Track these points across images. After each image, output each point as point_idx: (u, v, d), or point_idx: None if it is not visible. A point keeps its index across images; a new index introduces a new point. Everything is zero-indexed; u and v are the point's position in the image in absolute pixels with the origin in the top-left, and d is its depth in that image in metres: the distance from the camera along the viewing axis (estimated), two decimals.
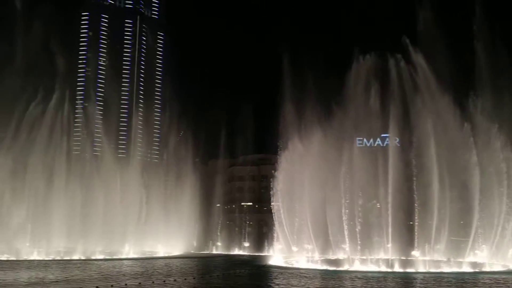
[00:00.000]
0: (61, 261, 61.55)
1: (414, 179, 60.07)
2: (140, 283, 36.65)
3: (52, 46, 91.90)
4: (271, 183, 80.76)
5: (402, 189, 58.86)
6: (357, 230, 60.04)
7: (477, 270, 50.76)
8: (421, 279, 42.92)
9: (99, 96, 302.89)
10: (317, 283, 39.56)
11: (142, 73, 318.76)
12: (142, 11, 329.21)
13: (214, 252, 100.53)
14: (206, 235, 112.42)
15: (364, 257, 58.00)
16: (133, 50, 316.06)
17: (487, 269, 52.04)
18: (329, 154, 66.23)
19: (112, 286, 34.25)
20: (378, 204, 60.63)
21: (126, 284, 35.31)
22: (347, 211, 61.40)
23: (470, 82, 63.31)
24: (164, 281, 38.43)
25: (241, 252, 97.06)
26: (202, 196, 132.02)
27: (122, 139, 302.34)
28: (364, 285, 37.82)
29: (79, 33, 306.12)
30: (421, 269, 51.17)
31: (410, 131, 62.45)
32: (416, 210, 60.61)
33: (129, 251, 79.24)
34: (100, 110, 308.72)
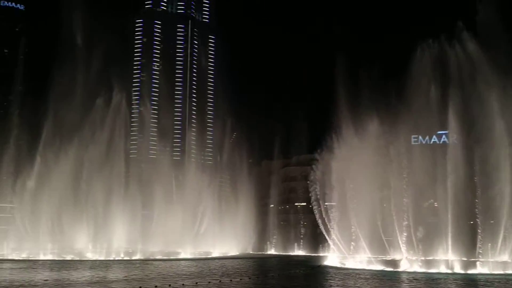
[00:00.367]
0: (121, 261, 63.51)
1: (475, 178, 57.75)
2: (196, 283, 37.26)
3: (109, 71, 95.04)
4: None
5: (462, 187, 56.79)
6: (414, 230, 58.54)
7: None
8: (484, 281, 41.26)
9: (154, 101, 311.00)
10: (373, 284, 38.87)
11: (194, 76, 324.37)
12: (193, 15, 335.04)
13: (270, 252, 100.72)
14: (262, 236, 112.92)
15: (422, 258, 56.39)
16: (185, 55, 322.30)
17: None
18: (385, 152, 64.92)
19: (169, 285, 35.01)
20: (435, 203, 58.82)
21: (183, 284, 35.98)
22: (404, 210, 59.96)
23: None
24: (220, 281, 38.88)
25: (296, 253, 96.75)
26: (256, 197, 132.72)
27: (177, 142, 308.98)
28: (423, 287, 36.82)
29: (134, 39, 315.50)
30: (484, 270, 49.15)
31: (469, 127, 60.06)
32: (477, 209, 58.24)
33: (186, 252, 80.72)
34: (154, 114, 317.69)
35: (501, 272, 48.31)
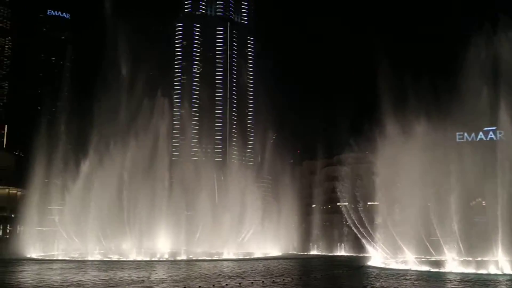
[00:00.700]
0: (165, 262, 64.60)
1: None
2: (240, 283, 37.49)
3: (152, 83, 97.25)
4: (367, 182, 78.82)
5: None
6: (461, 229, 56.89)
7: None
8: None
9: (195, 103, 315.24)
10: (418, 286, 38.05)
11: (234, 78, 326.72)
12: (232, 17, 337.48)
13: (313, 253, 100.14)
14: (304, 236, 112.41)
15: (470, 259, 54.74)
16: (224, 57, 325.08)
17: None
18: (430, 150, 63.49)
19: (213, 285, 35.37)
20: (483, 202, 57.00)
21: (226, 285, 36.28)
22: (450, 209, 58.40)
23: None
24: (263, 281, 38.98)
25: (339, 253, 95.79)
26: (298, 197, 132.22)
27: (218, 143, 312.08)
28: None
29: (174, 43, 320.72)
30: None
31: None
32: None
33: (228, 252, 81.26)
34: (196, 116, 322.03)
35: None
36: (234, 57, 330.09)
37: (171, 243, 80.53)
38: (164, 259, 69.42)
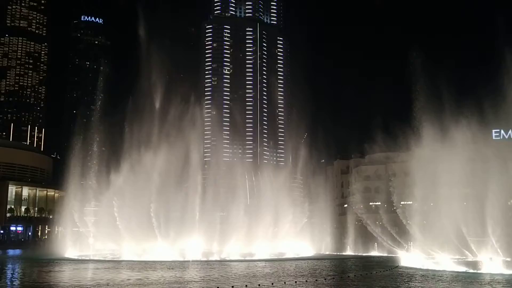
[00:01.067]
0: (198, 262, 65.10)
1: None
2: (272, 283, 37.51)
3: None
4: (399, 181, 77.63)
5: None
6: (499, 229, 55.38)
7: None
8: None
9: (226, 104, 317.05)
10: (453, 287, 37.22)
11: (264, 78, 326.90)
12: (261, 18, 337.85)
13: (345, 253, 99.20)
14: (336, 236, 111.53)
15: (508, 259, 53.19)
16: (254, 57, 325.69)
17: None
18: (465, 149, 62.10)
19: (246, 286, 35.50)
20: None
21: (259, 285, 36.36)
22: (486, 208, 56.96)
23: None
24: (296, 281, 38.90)
25: (372, 253, 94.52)
26: (330, 197, 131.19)
27: (249, 144, 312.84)
28: None
29: (204, 45, 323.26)
30: None
31: None
32: None
33: (261, 252, 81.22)
34: (226, 117, 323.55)
35: None
36: (264, 58, 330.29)
37: (204, 244, 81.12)
38: (197, 259, 69.96)
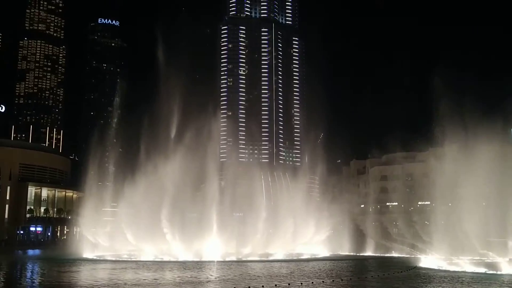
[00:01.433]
0: (215, 262, 65.14)
1: None
2: (289, 284, 37.45)
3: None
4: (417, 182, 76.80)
5: None
6: None
7: None
8: None
9: (241, 105, 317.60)
10: None
11: (280, 79, 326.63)
12: (277, 18, 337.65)
13: (362, 253, 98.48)
14: (353, 237, 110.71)
15: None
16: (270, 58, 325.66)
17: None
18: (485, 148, 61.24)
19: (262, 286, 35.50)
20: None
21: (275, 285, 36.32)
22: (507, 209, 56.15)
23: None
24: (312, 282, 38.78)
25: (390, 254, 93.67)
26: (346, 197, 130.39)
27: (265, 145, 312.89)
28: None
29: (220, 46, 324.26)
30: None
31: None
32: None
33: (277, 253, 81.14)
34: (242, 118, 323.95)
35: None
36: (280, 58, 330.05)
37: (220, 244, 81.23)
38: (214, 260, 70.09)
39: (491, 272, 47.72)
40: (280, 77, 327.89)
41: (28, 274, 49.71)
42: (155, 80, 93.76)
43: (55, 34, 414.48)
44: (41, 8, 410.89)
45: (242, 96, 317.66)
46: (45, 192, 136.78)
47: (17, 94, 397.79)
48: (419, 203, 76.57)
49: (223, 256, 73.05)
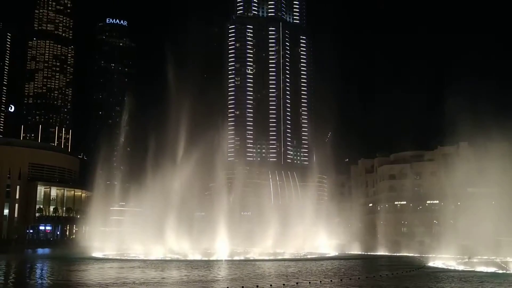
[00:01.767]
0: (222, 261, 65.19)
1: None
2: (297, 283, 37.38)
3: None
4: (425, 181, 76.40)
5: None
6: None
7: None
8: None
9: (249, 104, 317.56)
10: None
11: (288, 78, 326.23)
12: (284, 17, 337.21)
13: (371, 253, 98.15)
14: (361, 236, 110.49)
15: None
16: (277, 57, 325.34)
17: None
18: (496, 146, 60.76)
19: (271, 285, 35.48)
20: None
21: (284, 284, 36.28)
22: None
23: None
24: (320, 281, 38.69)
25: (398, 253, 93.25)
26: (354, 196, 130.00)
27: (272, 144, 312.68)
28: None
29: (227, 45, 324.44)
30: None
31: None
32: None
33: (286, 252, 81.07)
34: (250, 117, 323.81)
35: None
36: (287, 57, 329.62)
37: (228, 243, 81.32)
38: (221, 258, 70.17)
39: (501, 271, 47.32)
40: (288, 76, 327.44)
41: (38, 273, 50.03)
42: (164, 80, 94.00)
43: (63, 34, 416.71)
44: (50, 8, 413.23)
45: (249, 95, 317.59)
46: (54, 192, 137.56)
47: (26, 94, 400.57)
48: (428, 202, 76.10)
49: (231, 255, 73.08)
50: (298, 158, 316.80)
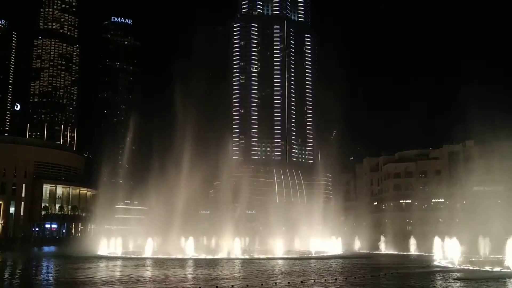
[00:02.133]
0: (226, 260, 65.20)
1: None
2: (302, 281, 37.37)
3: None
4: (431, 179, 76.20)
5: None
6: None
7: None
8: None
9: (254, 102, 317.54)
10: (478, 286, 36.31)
11: (292, 76, 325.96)
12: (289, 15, 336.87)
13: (376, 251, 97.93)
14: (366, 234, 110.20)
15: None
16: (282, 55, 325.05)
17: None
18: (499, 145, 60.49)
19: (275, 283, 35.49)
20: None
21: (288, 283, 36.29)
22: None
23: None
24: (325, 280, 38.67)
25: (404, 252, 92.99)
26: (359, 195, 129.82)
27: (277, 142, 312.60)
28: None
29: (232, 43, 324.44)
30: None
31: None
32: None
33: (290, 250, 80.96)
34: (255, 115, 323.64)
35: None
36: (292, 55, 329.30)
37: (232, 241, 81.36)
38: (226, 257, 70.19)
39: (505, 270, 47.09)
40: (293, 74, 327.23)
41: (44, 271, 50.25)
42: (169, 79, 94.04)
43: (69, 33, 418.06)
44: (55, 7, 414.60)
45: (254, 93, 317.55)
46: (59, 190, 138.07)
47: (31, 92, 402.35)
48: (433, 200, 75.84)
49: (235, 253, 73.05)
50: (303, 156, 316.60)
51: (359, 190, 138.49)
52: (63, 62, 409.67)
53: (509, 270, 46.64)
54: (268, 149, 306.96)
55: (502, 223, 56.92)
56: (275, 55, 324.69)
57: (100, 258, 66.09)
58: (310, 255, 79.02)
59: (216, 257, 68.22)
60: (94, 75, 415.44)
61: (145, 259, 64.63)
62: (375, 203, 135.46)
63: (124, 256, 70.54)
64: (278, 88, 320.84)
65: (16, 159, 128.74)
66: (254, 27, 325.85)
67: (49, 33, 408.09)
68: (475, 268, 50.19)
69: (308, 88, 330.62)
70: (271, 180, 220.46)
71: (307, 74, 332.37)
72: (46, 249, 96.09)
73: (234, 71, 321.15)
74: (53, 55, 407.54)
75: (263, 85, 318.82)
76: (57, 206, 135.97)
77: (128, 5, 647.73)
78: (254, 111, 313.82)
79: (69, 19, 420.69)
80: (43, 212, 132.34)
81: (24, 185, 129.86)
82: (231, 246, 74.60)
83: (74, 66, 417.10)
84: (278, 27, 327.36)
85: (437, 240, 67.39)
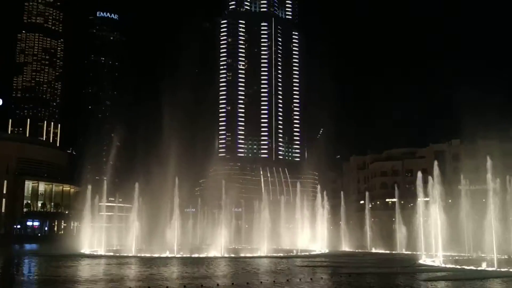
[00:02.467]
0: (210, 258, 64.62)
1: None
2: (287, 280, 36.95)
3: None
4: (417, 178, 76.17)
5: None
6: None
7: None
8: None
9: (240, 100, 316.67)
10: (469, 286, 36.13)
11: (279, 74, 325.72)
12: (277, 13, 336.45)
13: (362, 250, 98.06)
14: (352, 233, 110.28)
15: None
16: (269, 53, 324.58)
17: None
18: (485, 144, 60.55)
19: (261, 282, 35.07)
20: None
21: (274, 281, 35.84)
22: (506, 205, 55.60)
23: None
24: (311, 278, 38.23)
25: (390, 251, 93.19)
26: (345, 193, 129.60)
27: (264, 140, 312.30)
28: None
29: (219, 40, 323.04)
30: None
31: None
32: None
33: (276, 250, 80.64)
34: (241, 113, 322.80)
35: None
36: (279, 53, 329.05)
37: (218, 240, 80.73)
38: (211, 255, 69.58)
39: (490, 269, 47.09)
40: (280, 71, 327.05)
41: (25, 269, 49.10)
42: (155, 75, 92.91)
43: (53, 28, 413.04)
44: (40, 1, 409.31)
45: (241, 91, 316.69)
46: (42, 187, 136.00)
47: (14, 87, 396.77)
48: (419, 199, 75.71)
49: (221, 251, 72.45)
50: (290, 154, 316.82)
51: (346, 188, 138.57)
52: (47, 57, 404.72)
53: (493, 269, 46.64)
54: (255, 146, 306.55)
55: (488, 222, 56.95)
56: (262, 52, 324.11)
57: (83, 256, 64.99)
58: (295, 253, 78.74)
59: (201, 255, 67.57)
60: (79, 70, 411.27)
61: (128, 257, 63.69)
62: (362, 202, 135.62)
63: (107, 254, 69.52)
64: (265, 86, 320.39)
65: None
66: (242, 24, 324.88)
67: (33, 27, 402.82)
68: (459, 267, 50.17)
69: (295, 86, 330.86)
70: (258, 178, 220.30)
71: (294, 72, 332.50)
72: (28, 246, 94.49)
73: (221, 68, 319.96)
74: (37, 50, 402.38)
75: (250, 83, 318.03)
76: (39, 203, 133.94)
77: (114, 0, 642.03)
78: (241, 108, 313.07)
79: (54, 13, 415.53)
80: (25, 209, 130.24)
81: (5, 181, 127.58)
82: (216, 244, 74.04)
83: (58, 61, 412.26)
84: (265, 24, 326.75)
85: (422, 239, 67.55)
